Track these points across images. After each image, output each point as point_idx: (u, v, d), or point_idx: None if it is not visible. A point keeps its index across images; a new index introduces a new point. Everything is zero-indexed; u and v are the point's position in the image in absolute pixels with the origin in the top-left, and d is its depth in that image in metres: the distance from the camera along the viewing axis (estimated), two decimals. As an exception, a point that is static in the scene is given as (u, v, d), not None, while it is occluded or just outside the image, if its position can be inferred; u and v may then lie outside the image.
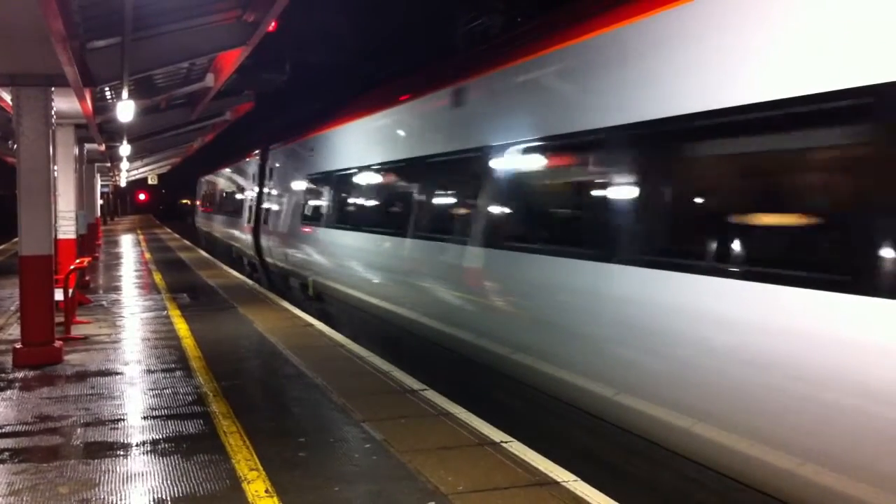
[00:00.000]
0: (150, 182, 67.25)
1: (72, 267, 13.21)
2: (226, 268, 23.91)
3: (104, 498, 5.52)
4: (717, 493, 5.32)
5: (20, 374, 9.38)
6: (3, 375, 9.36)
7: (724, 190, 5.47)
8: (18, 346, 9.98)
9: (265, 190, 20.56)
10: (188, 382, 8.88)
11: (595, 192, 6.60)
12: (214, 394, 8.33)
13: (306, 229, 15.59)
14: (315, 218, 15.09)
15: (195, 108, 18.73)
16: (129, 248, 34.46)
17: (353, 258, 12.49)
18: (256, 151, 22.14)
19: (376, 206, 11.82)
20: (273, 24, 11.06)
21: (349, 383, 8.67)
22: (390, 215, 10.99)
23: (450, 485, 5.62)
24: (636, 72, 6.00)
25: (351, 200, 13.14)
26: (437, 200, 9.85)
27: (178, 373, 9.38)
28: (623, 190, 6.09)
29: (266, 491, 5.57)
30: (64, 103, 12.07)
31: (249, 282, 19.77)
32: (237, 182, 26.06)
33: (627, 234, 5.95)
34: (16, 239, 10.66)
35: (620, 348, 5.96)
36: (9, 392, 8.59)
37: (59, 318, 11.15)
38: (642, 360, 5.71)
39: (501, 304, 7.93)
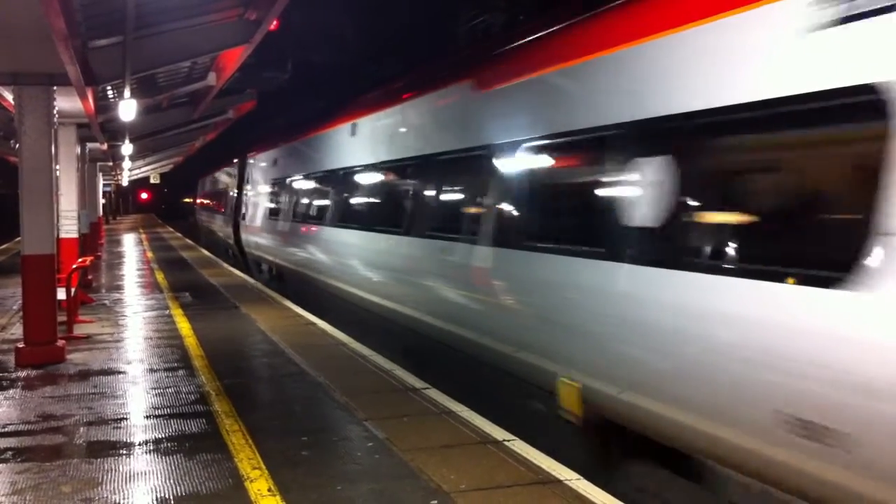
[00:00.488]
0: (152, 181, 67.28)
1: (74, 266, 13.22)
2: (228, 266, 23.92)
3: (107, 497, 5.52)
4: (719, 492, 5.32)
5: (23, 374, 9.39)
6: (5, 375, 9.37)
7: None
8: (21, 345, 9.99)
9: (243, 190, 25.15)
10: (191, 381, 8.88)
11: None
12: (217, 392, 8.34)
13: (269, 223, 20.18)
14: (274, 214, 19.76)
15: (197, 107, 18.72)
16: (131, 247, 34.48)
17: (304, 245, 16.49)
18: (236, 160, 27.17)
19: (317, 204, 15.98)
20: (275, 22, 11.05)
21: (351, 382, 8.67)
22: (321, 210, 15.43)
23: (452, 483, 5.62)
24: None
25: (300, 200, 17.37)
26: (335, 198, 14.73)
27: (180, 372, 9.38)
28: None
29: (269, 490, 5.57)
30: (66, 102, 12.07)
31: (251, 280, 19.78)
32: (224, 183, 31.58)
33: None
34: (18, 238, 10.66)
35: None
36: (12, 391, 8.60)
37: (62, 318, 11.16)
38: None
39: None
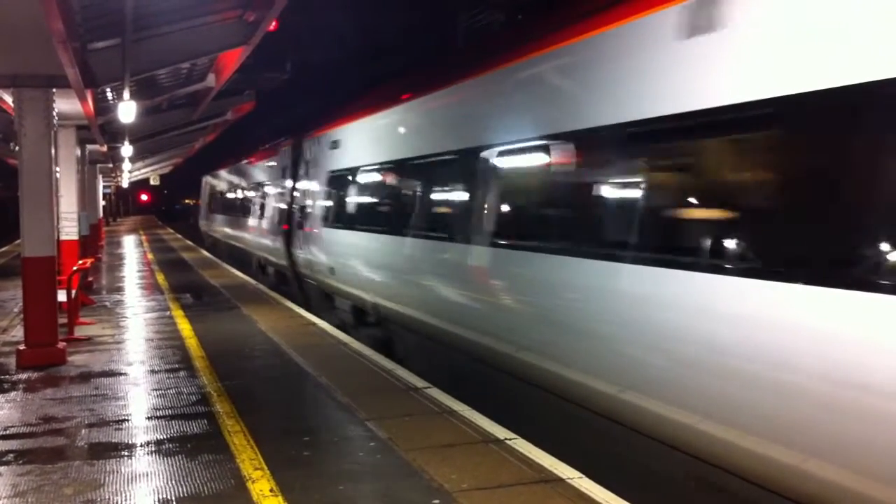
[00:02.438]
0: (152, 183, 67.29)
1: (74, 268, 13.22)
2: (228, 267, 23.92)
3: (109, 498, 5.52)
4: (721, 490, 5.31)
5: (24, 376, 9.39)
6: (7, 377, 9.37)
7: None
8: (22, 347, 9.99)
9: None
10: (192, 382, 8.89)
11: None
12: (218, 393, 8.34)
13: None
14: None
15: (196, 109, 18.74)
16: (131, 248, 34.48)
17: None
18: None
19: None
20: (274, 23, 11.05)
21: (353, 382, 8.67)
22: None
23: (454, 482, 5.62)
24: None
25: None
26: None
27: (181, 373, 9.38)
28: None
29: (271, 490, 5.57)
30: (65, 104, 12.07)
31: (252, 281, 19.77)
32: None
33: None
34: (18, 240, 10.66)
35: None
36: (13, 393, 8.60)
37: (63, 320, 11.16)
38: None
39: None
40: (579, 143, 6.72)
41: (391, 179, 11.66)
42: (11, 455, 6.50)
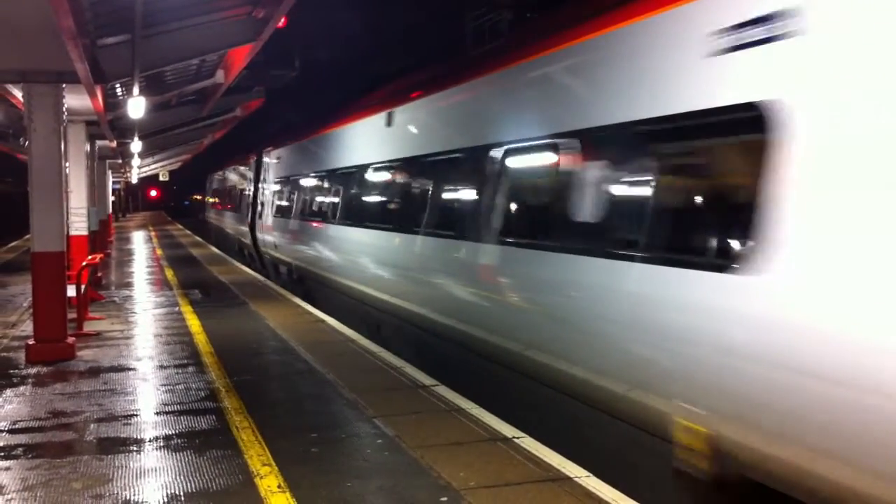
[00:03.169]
0: (161, 179, 67.43)
1: (84, 263, 13.25)
2: (237, 264, 23.97)
3: (118, 493, 5.54)
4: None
5: (33, 370, 9.43)
6: (16, 371, 9.40)
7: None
8: (31, 342, 10.02)
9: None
10: (200, 378, 8.91)
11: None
12: (227, 389, 8.36)
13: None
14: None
15: (205, 105, 18.74)
16: (140, 244, 34.57)
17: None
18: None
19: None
20: (283, 20, 11.05)
21: (360, 379, 8.68)
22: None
23: (462, 480, 5.62)
24: None
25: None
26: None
27: (190, 368, 9.40)
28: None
29: (279, 486, 5.58)
30: (75, 100, 12.09)
31: (260, 278, 19.81)
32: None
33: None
34: (28, 236, 10.70)
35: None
36: (22, 388, 8.63)
37: (72, 315, 11.20)
38: None
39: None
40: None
41: (304, 185, 18.19)
42: (21, 449, 6.52)
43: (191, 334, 11.63)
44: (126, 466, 6.08)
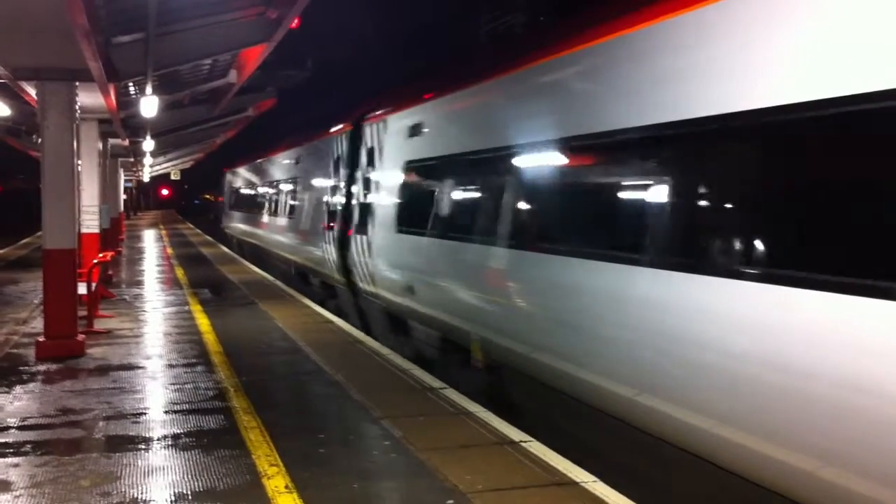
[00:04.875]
0: (172, 178, 67.64)
1: (95, 261, 13.30)
2: (247, 264, 24.00)
3: (125, 491, 5.55)
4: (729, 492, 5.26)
5: (43, 367, 9.46)
6: (26, 368, 9.44)
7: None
8: (41, 339, 10.06)
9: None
10: (209, 377, 8.92)
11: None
12: (235, 389, 8.36)
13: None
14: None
15: (218, 105, 18.78)
16: (151, 243, 34.68)
17: None
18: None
19: None
20: (296, 21, 11.06)
21: (368, 380, 8.68)
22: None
23: (468, 483, 5.61)
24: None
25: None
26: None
27: (199, 367, 9.42)
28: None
29: (286, 487, 5.57)
30: (88, 98, 12.14)
31: (270, 278, 19.83)
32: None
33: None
34: (40, 232, 10.74)
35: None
36: (31, 385, 8.66)
37: (82, 312, 11.23)
38: None
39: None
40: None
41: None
42: (29, 446, 6.54)
43: (200, 333, 11.65)
44: (134, 464, 6.09)
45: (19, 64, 9.83)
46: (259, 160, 26.47)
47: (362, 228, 12.90)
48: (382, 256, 11.81)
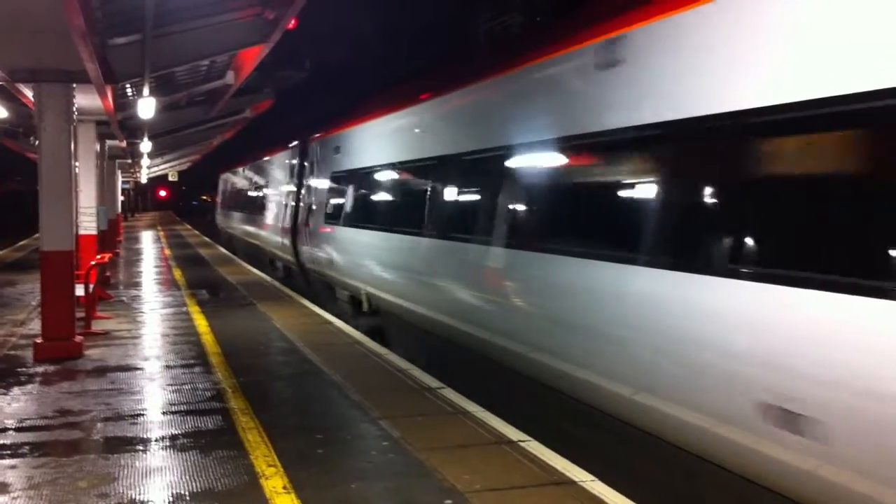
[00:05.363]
0: (170, 179, 67.60)
1: (92, 262, 13.29)
2: (244, 264, 23.99)
3: (123, 492, 5.55)
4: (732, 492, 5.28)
5: (40, 369, 9.45)
6: (23, 370, 9.43)
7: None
8: (39, 340, 10.05)
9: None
10: (207, 378, 8.92)
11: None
12: (233, 390, 8.36)
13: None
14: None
15: (215, 106, 18.77)
16: (149, 244, 34.66)
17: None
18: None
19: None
20: (293, 21, 11.06)
21: (367, 380, 8.68)
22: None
23: (467, 483, 5.61)
24: None
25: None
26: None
27: (197, 368, 9.41)
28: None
29: (284, 487, 5.58)
30: (85, 99, 12.13)
31: (268, 279, 19.83)
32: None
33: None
34: (37, 234, 10.73)
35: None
36: (29, 386, 8.65)
37: (80, 314, 11.23)
38: None
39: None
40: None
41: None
42: (27, 447, 6.54)
43: (198, 334, 11.65)
44: (132, 466, 6.09)
45: (16, 66, 9.83)
46: (240, 168, 32.43)
47: (305, 222, 17.56)
48: (316, 242, 16.46)
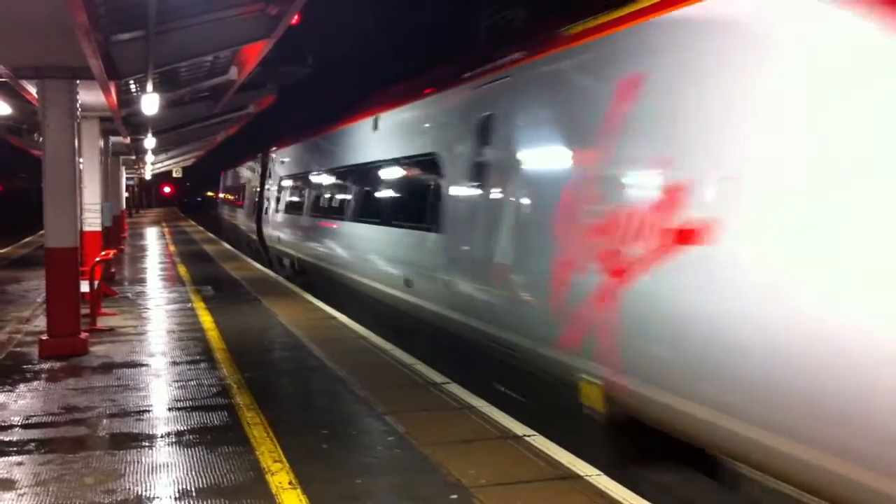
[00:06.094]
0: (174, 175, 67.64)
1: (97, 259, 13.31)
2: (249, 260, 24.02)
3: (129, 489, 5.56)
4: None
5: (46, 366, 9.47)
6: (29, 367, 9.45)
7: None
8: (44, 337, 10.07)
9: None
10: (212, 374, 8.93)
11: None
12: (238, 385, 8.37)
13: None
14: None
15: (219, 101, 18.78)
16: (154, 240, 34.70)
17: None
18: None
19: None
20: (296, 17, 11.05)
21: (372, 376, 8.68)
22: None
23: (472, 478, 5.61)
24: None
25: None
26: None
27: (202, 364, 9.43)
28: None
29: (290, 483, 5.58)
30: (89, 96, 12.15)
31: (272, 274, 19.85)
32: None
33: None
34: (42, 231, 10.74)
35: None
36: (35, 383, 8.67)
37: (85, 310, 11.24)
38: None
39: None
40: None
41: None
42: (33, 444, 6.55)
43: (203, 330, 11.66)
44: (138, 462, 6.10)
45: (20, 62, 9.83)
46: (230, 170, 41.27)
47: (265, 212, 24.33)
48: (270, 226, 23.07)
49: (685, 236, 5.28)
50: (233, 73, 14.89)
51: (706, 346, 5.08)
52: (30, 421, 7.23)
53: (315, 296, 15.26)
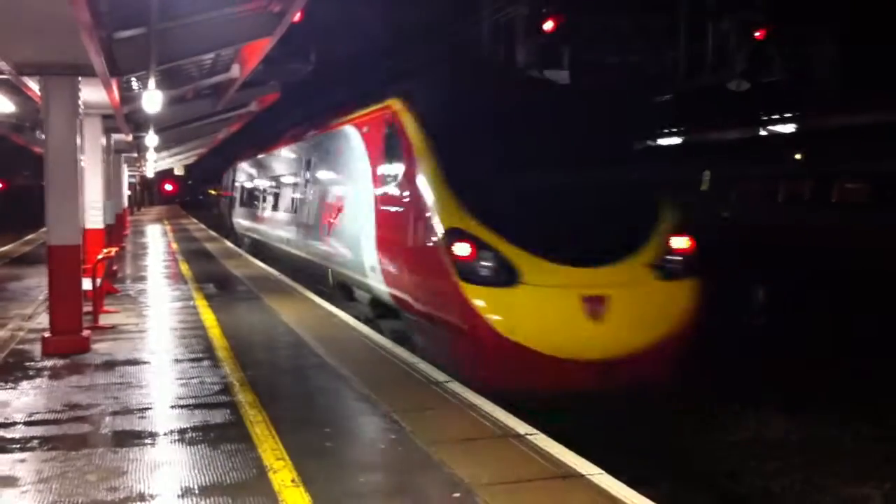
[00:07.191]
0: (176, 173, 67.63)
1: (100, 256, 13.30)
2: (251, 258, 24.03)
3: (132, 486, 5.56)
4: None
5: (49, 363, 9.48)
6: (31, 364, 9.46)
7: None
8: (47, 335, 10.07)
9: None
10: (215, 372, 8.93)
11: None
12: (241, 383, 8.38)
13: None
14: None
15: (221, 99, 18.78)
16: (156, 238, 34.72)
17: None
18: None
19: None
20: (299, 14, 11.03)
21: (374, 374, 8.68)
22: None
23: (474, 476, 5.61)
24: None
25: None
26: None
27: (204, 362, 9.43)
28: None
29: (292, 480, 5.58)
30: (91, 93, 12.13)
31: (275, 273, 19.85)
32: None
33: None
34: (44, 229, 10.74)
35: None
36: (38, 381, 8.68)
37: (87, 308, 11.25)
38: None
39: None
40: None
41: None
42: (36, 441, 6.56)
43: (205, 328, 11.67)
44: (141, 459, 6.11)
45: (22, 59, 9.82)
46: (223, 173, 46.64)
47: (234, 208, 31.12)
48: (235, 217, 30.38)
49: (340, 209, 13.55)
50: (235, 70, 14.88)
51: (352, 250, 12.47)
52: (33, 418, 7.23)
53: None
